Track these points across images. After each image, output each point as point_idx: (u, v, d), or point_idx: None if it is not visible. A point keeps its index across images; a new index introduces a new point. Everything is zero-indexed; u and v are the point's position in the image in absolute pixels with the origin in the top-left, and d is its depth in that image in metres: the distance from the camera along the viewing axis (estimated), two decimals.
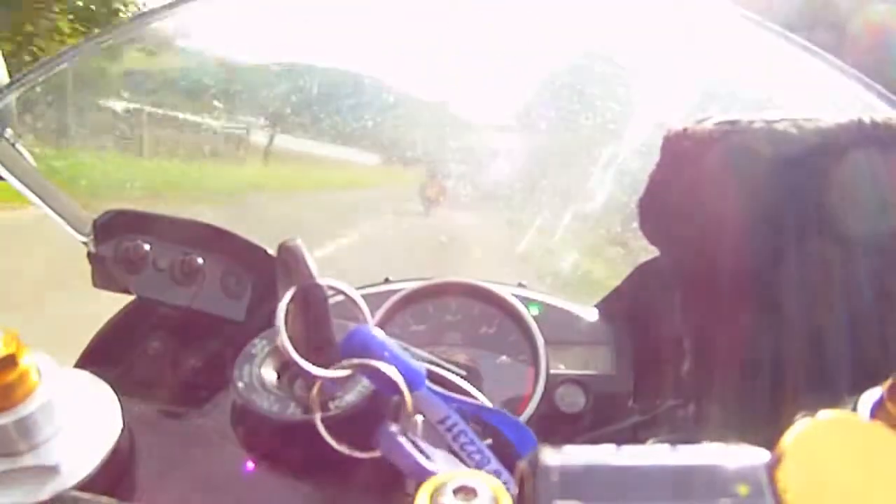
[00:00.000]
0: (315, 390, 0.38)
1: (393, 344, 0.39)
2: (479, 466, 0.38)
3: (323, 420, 0.37)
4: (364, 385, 0.40)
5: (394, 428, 0.37)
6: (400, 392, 0.37)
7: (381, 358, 0.38)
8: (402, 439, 0.36)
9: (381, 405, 0.40)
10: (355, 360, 0.38)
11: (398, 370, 0.38)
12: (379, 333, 0.39)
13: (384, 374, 0.37)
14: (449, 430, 0.39)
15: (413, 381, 0.38)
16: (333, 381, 0.39)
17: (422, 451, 0.37)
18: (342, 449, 0.37)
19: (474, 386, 0.48)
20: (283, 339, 0.37)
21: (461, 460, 0.39)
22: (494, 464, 0.39)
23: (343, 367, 0.38)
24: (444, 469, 0.36)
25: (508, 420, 0.43)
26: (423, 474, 0.34)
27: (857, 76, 0.66)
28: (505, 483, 0.36)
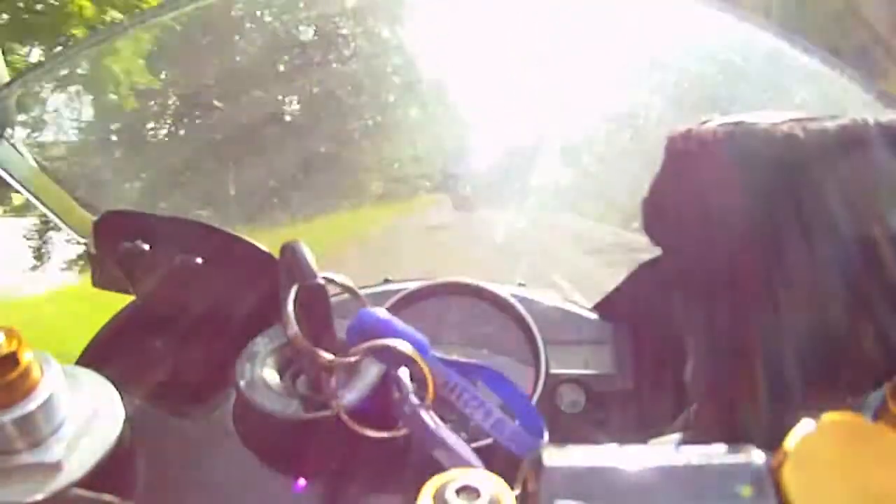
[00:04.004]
0: (333, 381, 0.38)
1: (396, 319, 0.40)
2: (484, 420, 0.40)
3: (328, 417, 0.38)
4: (365, 382, 0.40)
5: (414, 403, 0.37)
6: (410, 362, 0.38)
7: (387, 334, 0.38)
8: (424, 413, 0.37)
9: (387, 397, 0.40)
10: (364, 345, 0.38)
11: (405, 339, 0.38)
12: (381, 312, 0.40)
13: (396, 350, 0.38)
14: (452, 390, 0.40)
15: (420, 350, 0.39)
16: (340, 374, 0.39)
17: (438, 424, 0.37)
18: (368, 431, 0.37)
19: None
20: (293, 331, 0.37)
21: (468, 417, 0.40)
22: (497, 415, 0.40)
23: (355, 353, 0.38)
24: (456, 443, 0.36)
25: (505, 382, 0.44)
26: (440, 446, 0.35)
27: (856, 76, 0.66)
28: (508, 433, 0.38)
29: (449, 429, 0.39)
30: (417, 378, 0.39)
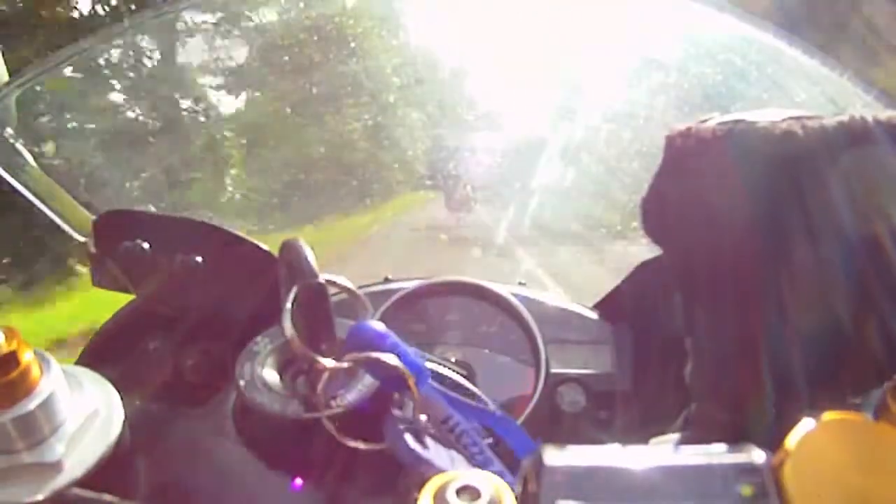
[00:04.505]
0: (321, 385, 0.38)
1: (396, 337, 0.39)
2: (481, 467, 0.38)
3: (327, 417, 0.37)
4: (364, 384, 0.40)
5: (399, 424, 0.37)
6: (404, 386, 0.37)
7: (385, 350, 0.38)
8: (407, 436, 0.36)
9: (384, 402, 0.40)
10: (361, 354, 0.38)
11: (403, 363, 0.38)
12: (381, 327, 0.39)
13: (389, 366, 0.37)
14: (452, 430, 0.39)
15: (417, 376, 0.38)
16: (337, 376, 0.39)
17: (425, 446, 0.37)
18: (350, 442, 0.37)
19: (470, 383, 0.48)
20: (291, 333, 0.37)
21: (465, 460, 0.39)
22: (497, 465, 0.39)
23: (350, 360, 0.38)
24: (447, 465, 0.36)
25: (509, 425, 0.43)
26: (426, 470, 0.35)
27: (855, 75, 0.66)
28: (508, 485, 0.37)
29: (440, 443, 0.39)
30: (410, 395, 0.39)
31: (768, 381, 0.33)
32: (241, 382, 0.41)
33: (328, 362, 0.38)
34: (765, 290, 0.32)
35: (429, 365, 0.42)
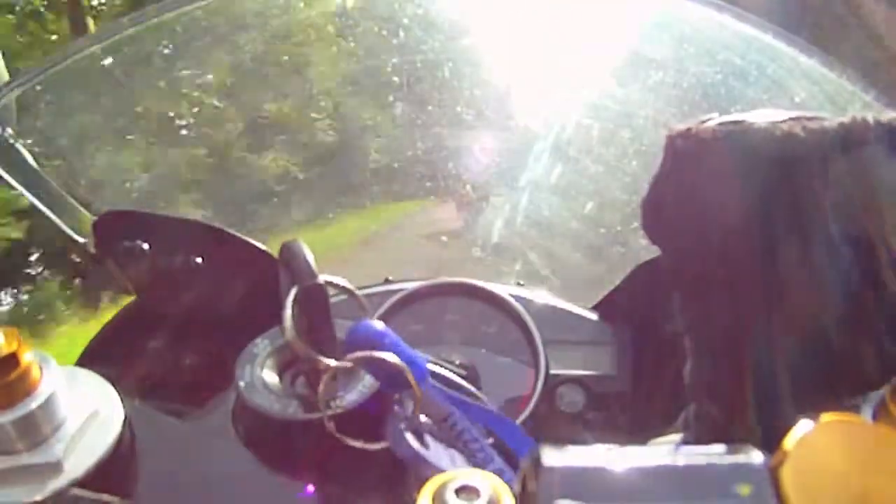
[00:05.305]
0: (322, 386, 0.38)
1: (396, 336, 0.39)
2: (482, 465, 0.39)
3: (328, 418, 0.38)
4: (365, 384, 0.41)
5: (400, 423, 0.37)
6: (405, 385, 0.37)
7: (385, 349, 0.38)
8: (408, 435, 0.36)
9: (384, 403, 0.40)
10: (362, 353, 0.38)
11: (403, 361, 0.38)
12: (381, 325, 0.40)
13: (390, 365, 0.37)
14: (452, 427, 0.39)
15: (417, 374, 0.38)
16: (338, 376, 0.39)
17: (428, 447, 0.37)
18: (353, 443, 0.37)
19: (472, 386, 0.48)
20: (291, 334, 0.37)
21: (466, 458, 0.39)
22: (498, 462, 0.39)
23: (350, 360, 0.38)
24: (448, 465, 0.36)
25: (507, 425, 0.43)
26: (427, 470, 0.35)
27: (856, 75, 0.66)
28: (508, 482, 0.37)
29: (441, 442, 0.39)
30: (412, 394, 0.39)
31: (766, 383, 0.33)
32: (241, 384, 0.41)
33: (329, 362, 0.38)
34: (764, 291, 0.32)
35: (431, 367, 0.42)
